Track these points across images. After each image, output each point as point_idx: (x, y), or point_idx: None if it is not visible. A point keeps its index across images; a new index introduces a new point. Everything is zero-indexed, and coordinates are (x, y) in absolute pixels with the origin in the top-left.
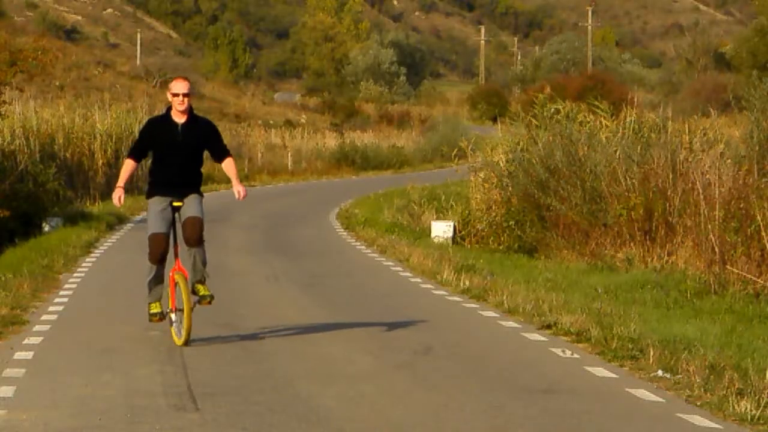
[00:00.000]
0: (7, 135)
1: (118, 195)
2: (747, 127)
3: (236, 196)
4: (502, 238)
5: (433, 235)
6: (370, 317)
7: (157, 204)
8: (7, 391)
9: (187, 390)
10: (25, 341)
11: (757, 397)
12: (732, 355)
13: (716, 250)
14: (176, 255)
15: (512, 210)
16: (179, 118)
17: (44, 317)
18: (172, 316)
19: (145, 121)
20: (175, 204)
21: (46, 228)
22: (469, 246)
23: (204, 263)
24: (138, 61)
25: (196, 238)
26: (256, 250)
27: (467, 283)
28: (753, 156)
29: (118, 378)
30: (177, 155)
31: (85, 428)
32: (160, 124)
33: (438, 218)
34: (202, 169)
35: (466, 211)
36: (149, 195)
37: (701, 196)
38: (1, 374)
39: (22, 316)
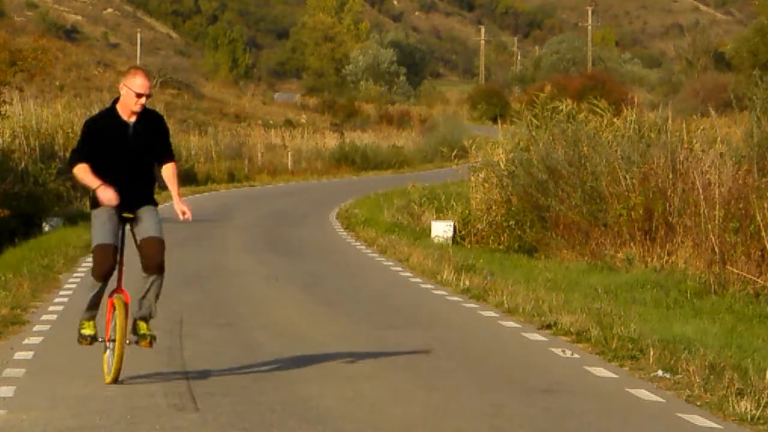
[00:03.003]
0: (7, 135)
1: (109, 193)
2: (747, 127)
3: (179, 216)
4: (502, 238)
5: (433, 235)
6: (370, 317)
7: (104, 212)
8: (7, 391)
9: (187, 390)
10: (25, 341)
11: (756, 397)
12: (732, 355)
13: (716, 250)
14: (120, 274)
15: (512, 210)
16: (129, 117)
17: (44, 317)
18: (108, 343)
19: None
20: (126, 215)
21: (46, 228)
22: (469, 246)
23: (157, 297)
24: (138, 61)
25: (158, 262)
26: (256, 250)
27: (467, 283)
28: (753, 156)
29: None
30: (126, 158)
31: (85, 428)
32: (106, 122)
33: (438, 218)
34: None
35: (466, 211)
36: (94, 205)
37: (701, 196)
38: (1, 374)
39: (22, 316)
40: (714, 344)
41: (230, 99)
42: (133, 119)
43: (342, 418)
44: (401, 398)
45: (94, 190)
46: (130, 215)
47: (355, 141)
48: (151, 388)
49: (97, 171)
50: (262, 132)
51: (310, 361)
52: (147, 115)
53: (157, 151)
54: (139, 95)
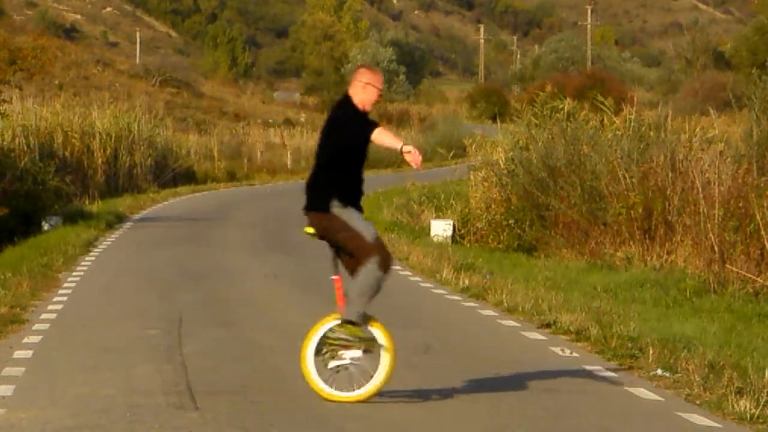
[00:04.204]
0: (7, 134)
1: (417, 153)
2: (746, 126)
3: (413, 163)
4: (501, 237)
5: (432, 233)
6: None
7: (354, 210)
8: (6, 390)
9: (187, 389)
10: (25, 340)
11: (756, 396)
12: (731, 354)
13: (715, 248)
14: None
15: (512, 209)
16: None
17: (44, 316)
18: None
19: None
20: None
21: (46, 227)
22: (468, 245)
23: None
24: (137, 60)
25: (390, 256)
26: (255, 249)
27: (467, 281)
28: (752, 155)
29: (117, 377)
30: (363, 157)
31: (84, 427)
32: (357, 118)
33: (437, 217)
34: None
35: (466, 210)
36: (341, 202)
37: (700, 195)
38: (1, 373)
39: (21, 315)
40: (713, 343)
41: (229, 98)
42: None
43: (342, 417)
44: (401, 398)
45: (401, 152)
46: None
47: None
48: (151, 387)
49: (344, 170)
50: (261, 131)
51: None
52: None
53: None
54: (380, 92)
